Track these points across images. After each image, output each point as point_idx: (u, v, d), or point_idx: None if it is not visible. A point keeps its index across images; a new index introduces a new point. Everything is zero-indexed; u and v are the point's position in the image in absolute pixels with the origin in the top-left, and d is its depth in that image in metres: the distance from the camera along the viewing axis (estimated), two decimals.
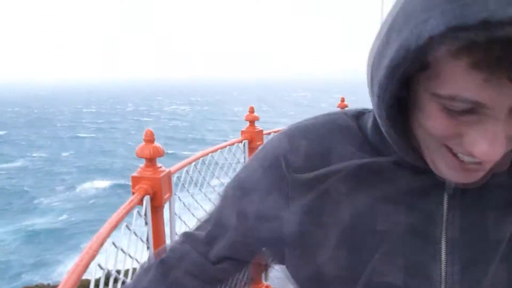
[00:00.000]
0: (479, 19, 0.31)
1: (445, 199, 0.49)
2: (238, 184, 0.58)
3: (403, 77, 0.38)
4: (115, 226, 1.20)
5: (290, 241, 0.54)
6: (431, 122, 0.41)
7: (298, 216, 0.52)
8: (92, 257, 1.04)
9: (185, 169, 1.88)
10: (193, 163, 1.96)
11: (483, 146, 0.38)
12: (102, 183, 26.14)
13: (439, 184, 0.49)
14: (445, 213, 0.49)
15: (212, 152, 2.18)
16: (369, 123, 0.52)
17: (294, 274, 0.56)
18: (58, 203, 23.20)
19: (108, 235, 1.14)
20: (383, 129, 0.46)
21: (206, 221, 0.61)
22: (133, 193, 1.49)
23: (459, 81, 0.35)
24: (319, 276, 0.53)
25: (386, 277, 0.50)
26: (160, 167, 1.59)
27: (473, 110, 0.37)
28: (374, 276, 0.50)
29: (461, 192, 0.49)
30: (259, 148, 0.59)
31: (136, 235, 1.33)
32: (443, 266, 0.49)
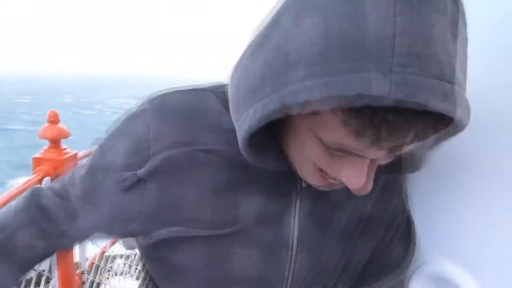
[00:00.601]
0: (357, 92, 0.33)
1: (297, 190, 0.53)
2: (104, 166, 0.55)
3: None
4: (3, 205, 1.16)
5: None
6: (309, 154, 0.44)
7: (156, 207, 0.51)
8: None
9: None
10: None
11: (354, 179, 0.43)
12: None
13: (292, 177, 0.52)
14: (298, 204, 0.53)
15: None
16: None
17: (152, 267, 0.59)
18: None
19: None
20: (241, 145, 0.44)
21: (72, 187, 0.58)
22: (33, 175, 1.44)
23: (341, 134, 0.38)
24: (178, 270, 0.54)
25: (243, 269, 0.53)
26: (65, 149, 1.55)
27: (349, 151, 0.41)
28: (233, 270, 0.52)
29: (310, 185, 0.52)
30: (119, 125, 0.55)
31: None
32: (293, 252, 0.54)
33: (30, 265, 0.61)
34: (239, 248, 0.52)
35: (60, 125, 1.54)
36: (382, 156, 0.41)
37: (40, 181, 1.42)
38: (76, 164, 1.62)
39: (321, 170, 0.46)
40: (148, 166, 0.50)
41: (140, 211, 0.52)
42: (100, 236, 0.58)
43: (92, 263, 1.93)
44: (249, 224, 0.52)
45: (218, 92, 0.53)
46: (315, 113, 0.38)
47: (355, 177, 0.43)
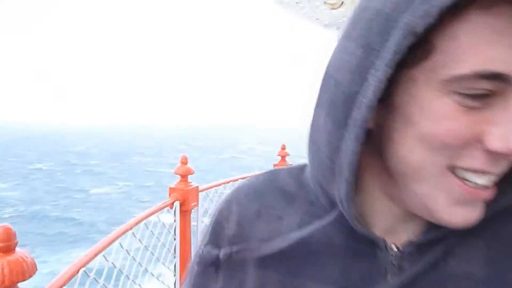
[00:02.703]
0: None
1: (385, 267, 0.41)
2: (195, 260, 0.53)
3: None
4: (144, 219, 1.68)
5: None
6: (446, 123, 0.32)
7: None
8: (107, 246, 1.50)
9: (213, 188, 2.34)
10: (222, 185, 2.42)
11: None
12: None
13: (381, 269, 0.41)
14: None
15: (241, 178, 2.61)
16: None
17: None
18: None
19: (131, 227, 1.60)
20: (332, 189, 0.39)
21: None
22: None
23: (484, 51, 0.29)
24: None
25: None
26: (190, 182, 2.08)
27: (496, 91, 0.31)
28: None
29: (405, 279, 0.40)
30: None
31: (165, 226, 1.82)
32: None
33: None
34: None
35: (188, 165, 2.08)
36: None
37: (172, 203, 1.96)
38: (198, 192, 2.15)
39: (453, 172, 0.34)
40: (220, 263, 0.48)
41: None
42: None
43: None
44: None
45: (300, 173, 0.49)
46: (429, 54, 0.31)
47: None
